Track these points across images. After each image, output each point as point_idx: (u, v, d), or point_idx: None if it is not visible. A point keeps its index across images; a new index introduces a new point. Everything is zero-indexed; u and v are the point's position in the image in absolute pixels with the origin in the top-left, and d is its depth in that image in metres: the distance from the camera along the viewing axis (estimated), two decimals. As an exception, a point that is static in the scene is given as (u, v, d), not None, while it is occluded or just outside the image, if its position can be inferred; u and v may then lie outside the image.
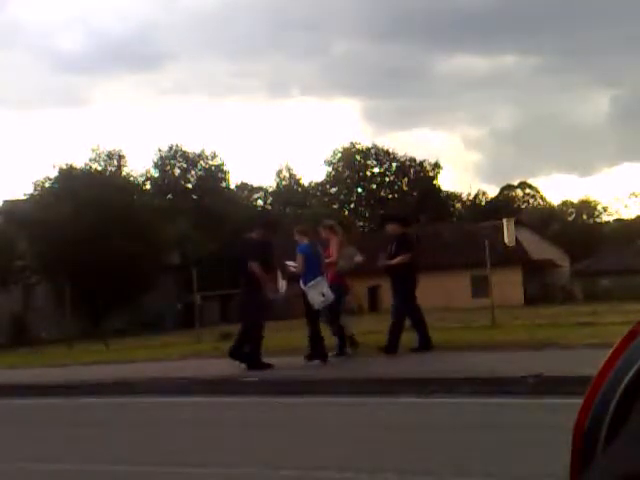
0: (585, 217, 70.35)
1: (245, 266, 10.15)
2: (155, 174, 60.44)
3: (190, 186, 60.86)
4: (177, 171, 61.27)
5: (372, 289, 43.66)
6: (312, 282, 10.01)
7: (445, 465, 5.04)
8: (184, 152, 61.31)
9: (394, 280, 10.79)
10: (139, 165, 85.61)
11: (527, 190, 74.56)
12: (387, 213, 15.37)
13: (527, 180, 76.53)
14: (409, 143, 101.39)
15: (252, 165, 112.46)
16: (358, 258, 11.43)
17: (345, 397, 8.21)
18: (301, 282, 10.18)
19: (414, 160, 69.04)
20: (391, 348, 10.52)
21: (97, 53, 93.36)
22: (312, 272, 10.09)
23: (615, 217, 70.28)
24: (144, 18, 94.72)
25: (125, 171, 47.53)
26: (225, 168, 62.58)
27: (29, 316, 33.24)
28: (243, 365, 10.14)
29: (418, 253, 10.96)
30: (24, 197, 37.57)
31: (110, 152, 49.70)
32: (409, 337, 10.94)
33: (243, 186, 68.38)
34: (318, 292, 10.02)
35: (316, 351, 10.36)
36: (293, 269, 10.42)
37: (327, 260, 10.59)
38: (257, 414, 8.01)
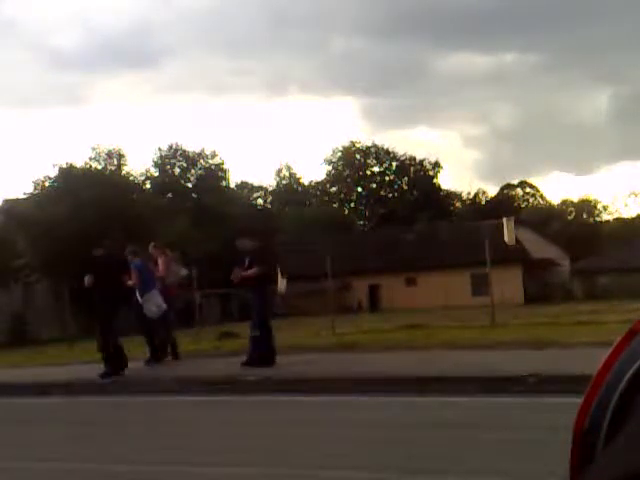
0: (585, 216, 70.30)
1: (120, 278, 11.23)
2: (155, 173, 60.43)
3: (190, 185, 60.85)
4: (177, 170, 61.27)
5: (372, 288, 43.68)
6: (147, 295, 11.30)
7: (445, 463, 5.04)
8: (184, 151, 61.31)
9: (252, 293, 10.99)
10: (139, 164, 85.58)
11: (527, 189, 74.57)
12: (242, 227, 16.51)
13: (527, 179, 76.66)
14: (408, 141, 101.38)
15: (252, 164, 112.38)
16: (183, 272, 13.21)
17: (346, 396, 8.22)
18: (137, 295, 11.40)
19: (414, 159, 69.08)
20: (269, 359, 10.39)
21: (95, 51, 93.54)
22: (147, 286, 11.36)
23: (615, 216, 70.29)
24: (142, 15, 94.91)
25: (125, 170, 47.45)
26: (225, 167, 62.66)
27: (29, 315, 33.21)
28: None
29: (272, 266, 11.02)
30: (24, 196, 37.54)
31: (110, 151, 49.66)
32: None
33: (243, 185, 68.38)
34: (153, 304, 11.33)
35: (156, 353, 11.73)
36: (130, 283, 11.46)
37: (157, 275, 11.87)
38: (256, 413, 8.01)
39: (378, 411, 7.50)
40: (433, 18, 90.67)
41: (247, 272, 10.58)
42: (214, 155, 62.15)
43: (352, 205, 69.27)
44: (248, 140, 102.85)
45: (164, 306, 11.43)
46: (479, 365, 8.96)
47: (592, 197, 72.55)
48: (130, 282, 11.34)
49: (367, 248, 44.32)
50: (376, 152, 69.38)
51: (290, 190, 69.64)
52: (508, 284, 33.75)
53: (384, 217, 63.84)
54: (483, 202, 72.04)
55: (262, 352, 10.41)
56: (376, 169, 69.70)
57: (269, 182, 72.65)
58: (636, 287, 32.27)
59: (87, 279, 10.97)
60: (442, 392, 7.80)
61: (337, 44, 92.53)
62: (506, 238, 43.05)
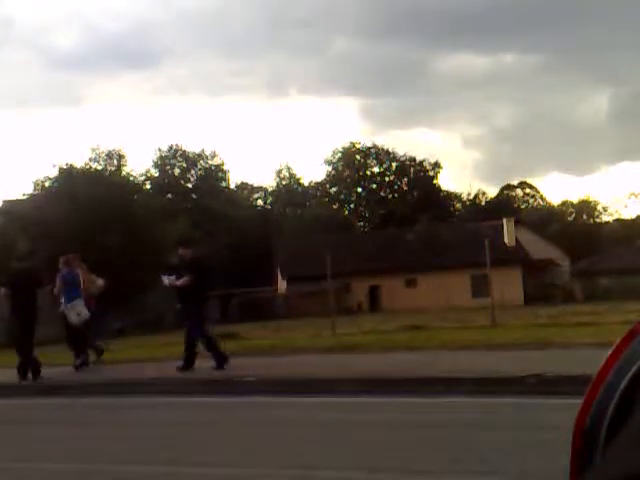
0: (585, 217, 70.31)
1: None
2: (155, 174, 60.42)
3: (190, 186, 60.85)
4: (177, 171, 61.27)
5: (372, 289, 43.68)
6: (70, 304, 11.82)
7: (445, 464, 5.03)
8: (184, 152, 61.31)
9: (186, 302, 11.08)
10: (139, 165, 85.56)
11: (527, 190, 74.58)
12: (180, 237, 17.66)
13: (527, 179, 76.66)
14: (408, 142, 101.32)
15: (252, 165, 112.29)
16: (100, 282, 13.42)
17: (345, 396, 8.21)
18: (62, 303, 11.94)
19: (414, 160, 69.03)
20: (187, 365, 10.68)
21: (95, 51, 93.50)
22: (71, 294, 11.87)
23: (615, 217, 70.27)
24: (141, 15, 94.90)
25: (125, 171, 47.40)
26: (225, 168, 62.68)
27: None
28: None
29: (205, 276, 11.40)
30: (24, 197, 37.54)
31: (110, 152, 49.64)
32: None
33: (243, 186, 68.34)
34: (75, 312, 11.87)
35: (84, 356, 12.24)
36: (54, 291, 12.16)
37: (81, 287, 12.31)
38: (256, 414, 8.01)
39: (378, 411, 7.49)
40: (433, 18, 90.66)
41: (178, 281, 10.95)
42: (214, 156, 62.18)
43: (352, 206, 69.23)
44: (248, 140, 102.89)
45: (87, 314, 12.01)
46: (479, 365, 8.96)
47: (592, 198, 72.58)
48: (54, 290, 11.96)
49: (367, 249, 44.30)
50: (376, 153, 69.37)
51: (290, 191, 69.60)
52: (508, 285, 33.76)
53: (384, 218, 63.80)
54: (483, 203, 71.99)
55: (192, 356, 10.76)
56: (376, 170, 69.66)
57: (269, 183, 72.66)
58: (636, 288, 32.27)
59: (2, 291, 11.58)
60: (442, 392, 7.80)
61: (337, 44, 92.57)
62: (506, 239, 43.04)
